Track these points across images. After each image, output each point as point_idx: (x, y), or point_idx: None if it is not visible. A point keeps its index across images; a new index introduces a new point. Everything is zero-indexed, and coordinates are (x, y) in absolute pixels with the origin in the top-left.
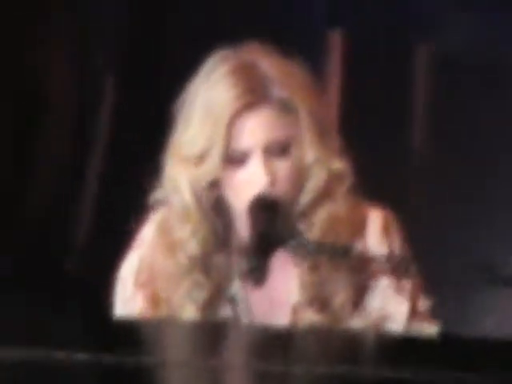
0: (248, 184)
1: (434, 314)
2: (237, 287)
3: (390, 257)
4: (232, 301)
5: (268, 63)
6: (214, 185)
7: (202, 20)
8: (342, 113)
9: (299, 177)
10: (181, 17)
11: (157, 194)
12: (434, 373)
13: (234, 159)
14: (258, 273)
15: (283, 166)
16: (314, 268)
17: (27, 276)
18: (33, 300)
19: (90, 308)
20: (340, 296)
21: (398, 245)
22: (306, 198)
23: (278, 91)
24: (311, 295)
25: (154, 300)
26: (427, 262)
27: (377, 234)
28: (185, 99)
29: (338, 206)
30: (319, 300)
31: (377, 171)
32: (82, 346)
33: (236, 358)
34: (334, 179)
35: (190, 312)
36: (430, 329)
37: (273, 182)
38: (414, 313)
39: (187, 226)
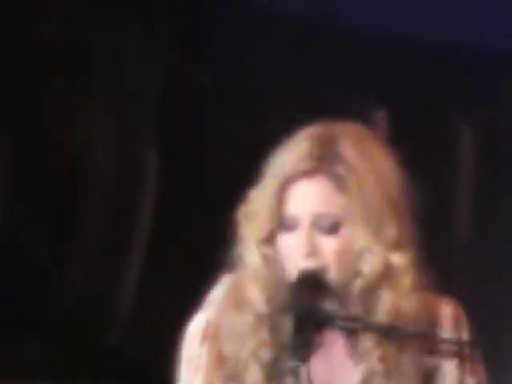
0: (292, 252)
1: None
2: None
3: (458, 342)
4: (293, 371)
5: (347, 142)
6: (269, 244)
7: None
8: None
9: (350, 259)
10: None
11: (232, 252)
12: None
13: (285, 224)
14: (301, 351)
15: (330, 243)
16: (381, 357)
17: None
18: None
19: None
20: (407, 378)
21: (467, 334)
22: (360, 282)
23: (341, 168)
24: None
25: (219, 359)
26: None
27: (449, 327)
28: (272, 156)
29: (402, 298)
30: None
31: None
32: None
33: None
34: (392, 271)
35: (254, 372)
36: None
37: (314, 255)
38: None
39: (256, 284)
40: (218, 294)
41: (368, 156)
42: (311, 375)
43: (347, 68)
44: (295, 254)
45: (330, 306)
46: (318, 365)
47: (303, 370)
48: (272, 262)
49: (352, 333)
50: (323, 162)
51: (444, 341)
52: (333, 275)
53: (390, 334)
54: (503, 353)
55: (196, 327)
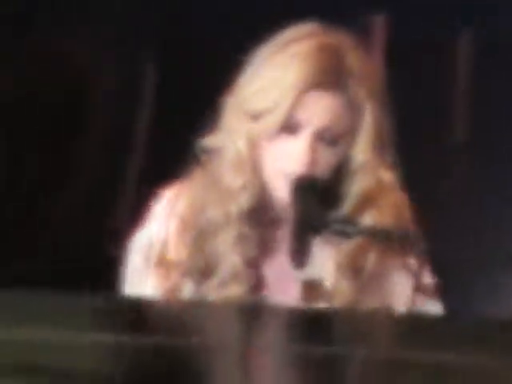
0: (288, 156)
1: (440, 292)
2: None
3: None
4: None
5: (354, 57)
6: (257, 146)
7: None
8: None
9: (343, 172)
10: None
11: (209, 141)
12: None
13: (287, 126)
14: (300, 256)
15: (328, 154)
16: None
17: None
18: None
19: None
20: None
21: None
22: (350, 201)
23: (352, 86)
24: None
25: (171, 270)
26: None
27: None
28: (260, 51)
29: (384, 215)
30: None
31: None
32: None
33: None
34: (381, 189)
35: (234, 263)
36: (434, 307)
37: (312, 164)
38: (418, 290)
39: (240, 178)
40: (160, 208)
41: (369, 71)
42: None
43: None
44: (291, 160)
45: (322, 211)
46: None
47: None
48: (256, 160)
49: (346, 239)
50: (335, 76)
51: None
52: (324, 181)
53: (384, 237)
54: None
55: (139, 248)
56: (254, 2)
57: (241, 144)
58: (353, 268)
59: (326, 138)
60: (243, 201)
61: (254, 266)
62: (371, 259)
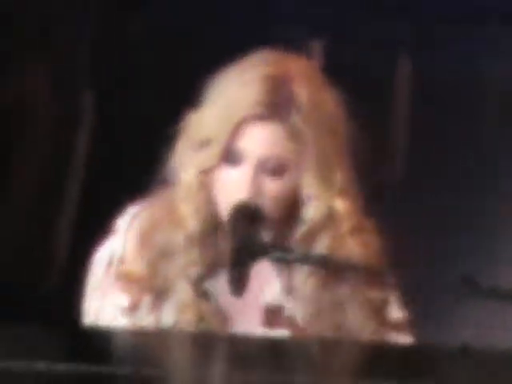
0: (233, 187)
1: (412, 324)
2: (218, 280)
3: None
4: (206, 293)
5: (303, 88)
6: (208, 175)
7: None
8: None
9: (291, 203)
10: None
11: (161, 174)
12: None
13: (229, 157)
14: (236, 283)
15: (273, 185)
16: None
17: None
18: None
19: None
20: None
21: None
22: (303, 228)
23: (297, 116)
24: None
25: (131, 287)
26: (410, 272)
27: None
28: (214, 82)
29: (340, 241)
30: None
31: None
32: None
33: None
34: (335, 216)
35: (182, 289)
36: (404, 339)
37: (256, 194)
38: (384, 324)
39: (190, 205)
40: (123, 224)
41: (320, 100)
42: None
43: None
44: (235, 190)
45: (266, 240)
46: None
47: (218, 295)
48: (206, 189)
49: (286, 266)
50: (279, 107)
51: (381, 273)
52: (271, 215)
53: (326, 264)
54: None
55: (103, 259)
56: (202, 33)
57: (190, 173)
58: (306, 295)
59: (269, 168)
60: (192, 227)
61: (204, 293)
62: (322, 287)
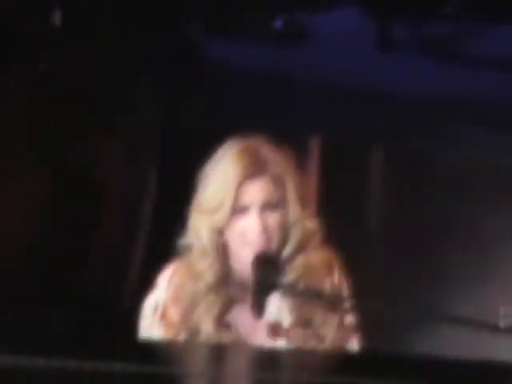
0: (246, 231)
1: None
2: (234, 312)
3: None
4: (228, 324)
5: (267, 149)
6: (222, 232)
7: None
8: (318, 189)
9: (284, 230)
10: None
11: (182, 240)
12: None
13: (237, 211)
14: (259, 309)
15: (274, 219)
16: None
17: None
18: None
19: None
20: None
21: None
22: (288, 249)
23: (272, 169)
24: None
25: (171, 325)
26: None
27: (336, 280)
28: (205, 171)
29: (312, 255)
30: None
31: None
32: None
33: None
34: (308, 235)
35: (207, 324)
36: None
37: (265, 230)
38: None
39: (206, 262)
40: (163, 278)
41: (281, 156)
42: (240, 325)
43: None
44: (250, 229)
45: (276, 275)
46: (245, 317)
47: (236, 322)
48: (218, 245)
49: (287, 295)
50: (258, 166)
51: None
52: (275, 246)
53: (316, 294)
54: None
55: (150, 306)
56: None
57: (204, 236)
58: (301, 316)
59: (269, 206)
60: (208, 278)
61: (225, 324)
62: (309, 311)
